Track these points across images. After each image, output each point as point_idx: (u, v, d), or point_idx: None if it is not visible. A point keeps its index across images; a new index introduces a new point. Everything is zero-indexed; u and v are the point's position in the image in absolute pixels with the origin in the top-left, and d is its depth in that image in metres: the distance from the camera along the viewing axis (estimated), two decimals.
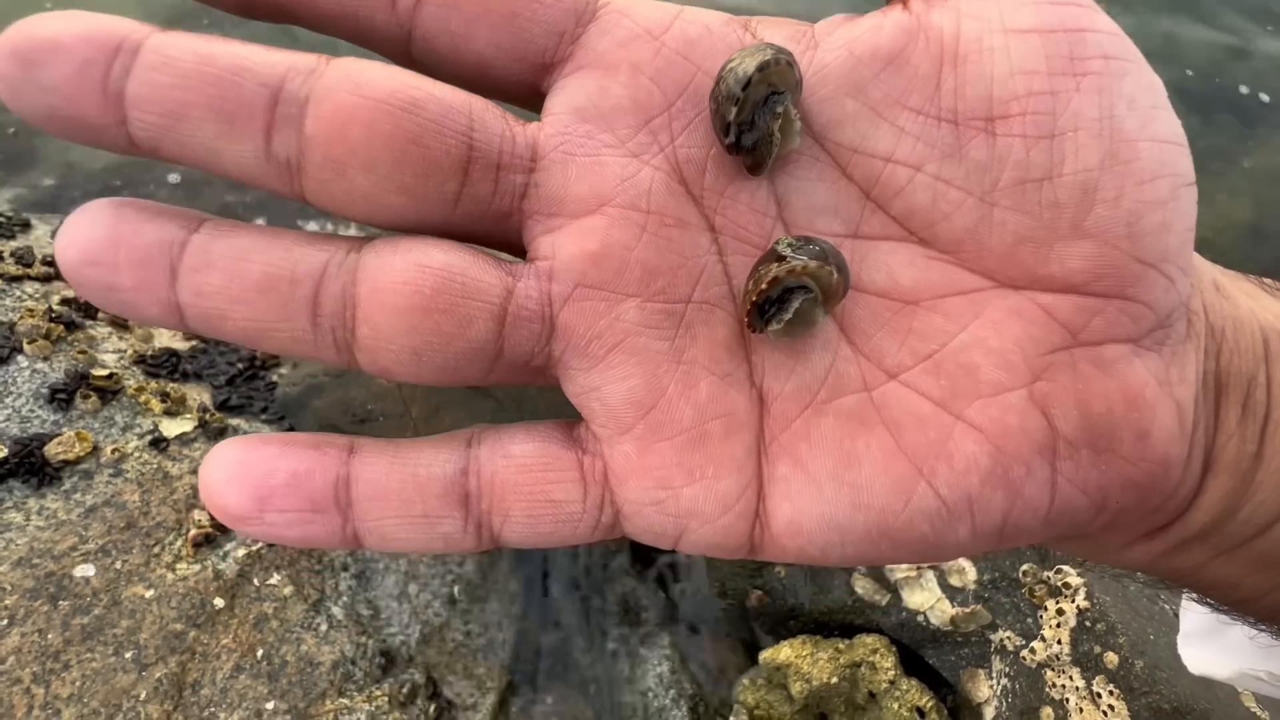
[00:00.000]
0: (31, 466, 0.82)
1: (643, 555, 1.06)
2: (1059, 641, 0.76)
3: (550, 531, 0.22)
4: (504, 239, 0.22)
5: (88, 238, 0.19)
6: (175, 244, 0.20)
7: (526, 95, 0.23)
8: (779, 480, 0.22)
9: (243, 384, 1.03)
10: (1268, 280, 0.27)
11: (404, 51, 0.21)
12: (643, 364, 0.22)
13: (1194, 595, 0.27)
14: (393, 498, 0.21)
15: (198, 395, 1.00)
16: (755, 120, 0.21)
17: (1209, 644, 0.34)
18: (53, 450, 0.83)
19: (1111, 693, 0.71)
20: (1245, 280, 0.26)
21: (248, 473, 0.20)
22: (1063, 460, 0.21)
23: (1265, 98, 1.63)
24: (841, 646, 0.88)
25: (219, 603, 0.83)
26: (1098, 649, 0.74)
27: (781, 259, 0.21)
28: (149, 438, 0.90)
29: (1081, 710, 0.72)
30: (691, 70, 0.22)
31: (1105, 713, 0.70)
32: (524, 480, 0.22)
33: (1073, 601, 0.78)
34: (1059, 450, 0.21)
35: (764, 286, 0.21)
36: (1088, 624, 0.76)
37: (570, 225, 0.21)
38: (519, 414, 1.04)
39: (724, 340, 0.22)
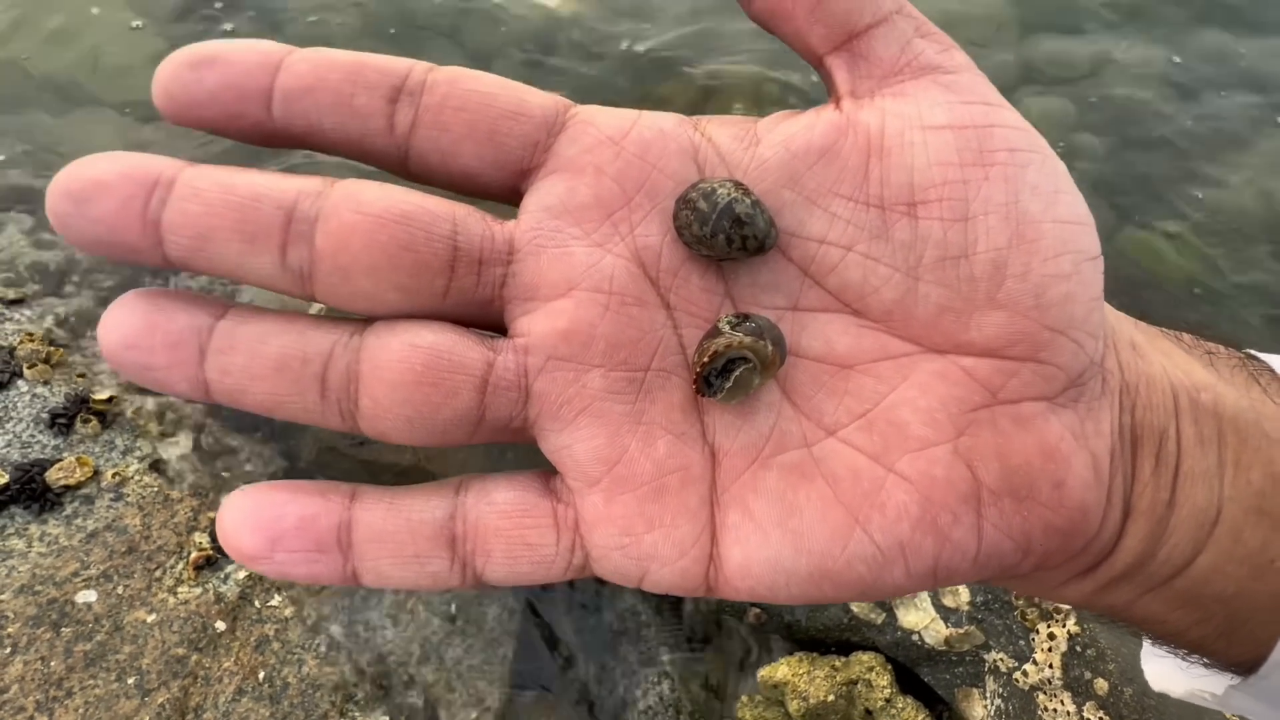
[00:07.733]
0: (33, 492, 0.82)
1: None
2: (1050, 665, 0.77)
3: (528, 572, 0.24)
4: (488, 321, 0.25)
5: (127, 325, 0.22)
6: (203, 329, 0.22)
7: (508, 196, 0.25)
8: (730, 527, 0.24)
9: None
10: (1186, 336, 0.29)
11: (401, 167, 0.24)
12: (607, 425, 0.24)
13: (1132, 628, 0.29)
14: (389, 540, 0.23)
15: (196, 416, 1.00)
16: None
17: (1165, 661, 0.36)
18: (54, 476, 0.84)
19: (1101, 719, 0.72)
20: (1163, 338, 0.28)
21: (260, 516, 0.23)
22: (987, 508, 0.23)
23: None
24: (838, 664, 0.89)
25: (220, 626, 0.83)
26: (1088, 675, 0.75)
27: (722, 335, 0.24)
28: (149, 460, 0.91)
29: None
30: (648, 169, 0.25)
31: None
32: (504, 525, 0.24)
33: (1063, 626, 0.79)
34: (983, 499, 0.23)
35: (705, 359, 0.23)
36: (1078, 649, 0.77)
37: (543, 307, 0.24)
38: (514, 449, 1.05)
39: (679, 403, 0.25)
